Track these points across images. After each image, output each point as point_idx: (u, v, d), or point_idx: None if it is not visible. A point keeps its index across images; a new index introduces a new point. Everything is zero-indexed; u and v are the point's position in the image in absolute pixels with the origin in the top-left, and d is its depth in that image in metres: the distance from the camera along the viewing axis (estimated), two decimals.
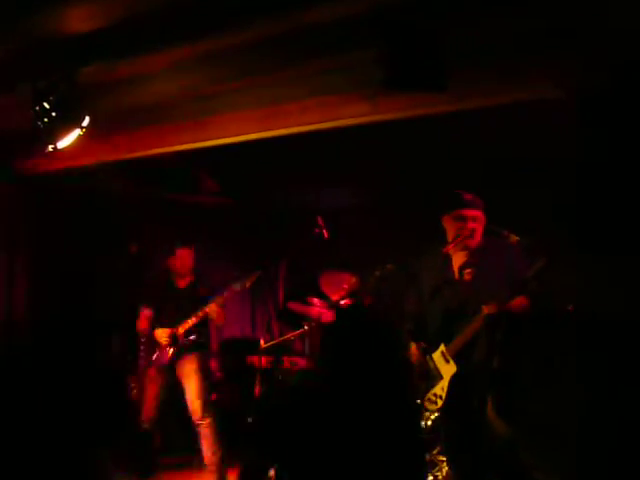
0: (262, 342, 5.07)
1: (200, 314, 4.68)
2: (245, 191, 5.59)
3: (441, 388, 3.91)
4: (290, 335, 5.16)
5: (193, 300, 4.80)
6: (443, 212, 4.05)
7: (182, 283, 4.92)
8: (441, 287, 3.99)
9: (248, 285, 4.58)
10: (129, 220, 5.55)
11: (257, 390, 4.83)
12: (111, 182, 5.25)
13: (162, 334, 4.76)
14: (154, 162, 5.10)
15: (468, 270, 3.98)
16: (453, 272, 4.05)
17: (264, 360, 5.12)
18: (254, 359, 5.17)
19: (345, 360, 1.85)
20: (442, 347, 3.97)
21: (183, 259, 4.79)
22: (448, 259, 4.07)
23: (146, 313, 4.91)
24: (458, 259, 4.06)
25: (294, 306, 5.24)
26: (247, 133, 4.42)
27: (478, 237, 4.02)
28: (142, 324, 4.87)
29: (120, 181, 5.31)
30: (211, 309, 4.62)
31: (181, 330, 4.77)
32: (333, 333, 1.96)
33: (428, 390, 3.97)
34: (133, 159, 4.83)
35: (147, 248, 5.60)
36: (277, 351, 5.21)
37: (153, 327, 4.81)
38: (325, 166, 5.16)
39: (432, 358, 3.99)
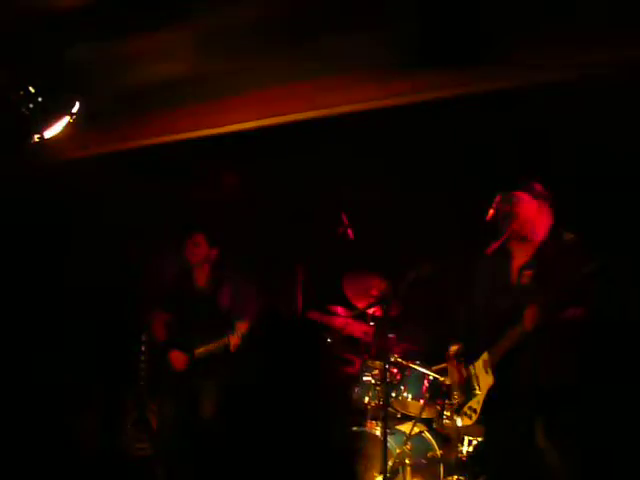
0: None
1: (222, 342, 4.72)
2: (263, 185, 5.56)
3: (477, 402, 3.90)
4: None
5: (213, 306, 4.82)
6: (498, 195, 3.97)
7: (201, 279, 4.89)
8: (496, 290, 3.96)
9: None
10: (133, 222, 5.54)
11: None
12: (112, 178, 5.22)
13: (178, 359, 4.79)
14: (163, 154, 5.07)
15: (528, 272, 3.89)
16: (511, 273, 3.95)
17: None
18: None
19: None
20: (484, 355, 3.93)
21: (200, 245, 4.83)
22: (507, 258, 3.97)
23: (162, 318, 4.95)
24: (519, 258, 3.96)
25: (315, 316, 5.14)
26: (265, 117, 4.44)
27: (542, 231, 3.92)
28: (158, 331, 4.91)
29: (123, 177, 5.27)
30: (234, 341, 4.65)
31: (196, 356, 4.80)
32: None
33: (465, 402, 3.96)
34: (136, 150, 4.80)
35: (156, 251, 5.62)
36: None
37: (170, 335, 4.88)
38: (351, 154, 5.05)
39: (474, 366, 3.98)
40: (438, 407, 4.64)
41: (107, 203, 5.43)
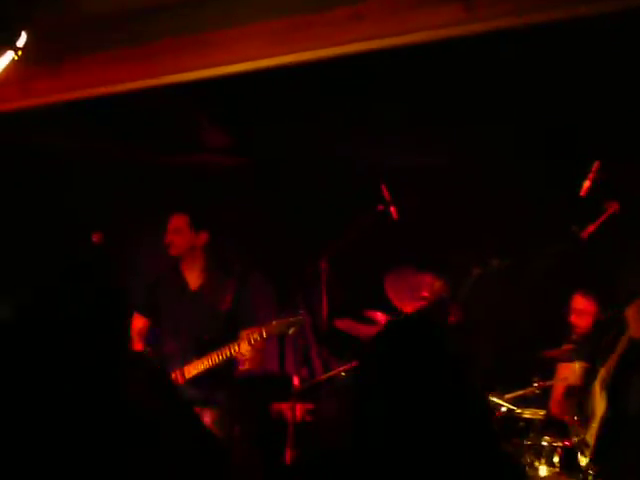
0: (296, 381, 4.58)
1: (221, 356, 4.32)
2: (269, 147, 5.07)
3: (591, 435, 3.89)
4: (340, 369, 4.66)
5: (209, 310, 4.49)
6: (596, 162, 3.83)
7: (191, 276, 4.56)
8: None
9: (292, 332, 4.31)
10: (93, 194, 5.06)
11: (289, 455, 4.44)
12: (65, 136, 4.79)
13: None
14: (131, 105, 4.61)
15: None
16: None
17: (300, 409, 4.75)
18: (284, 407, 4.83)
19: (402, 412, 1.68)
20: (602, 371, 3.91)
21: (181, 232, 4.47)
22: None
23: (138, 323, 4.55)
24: None
25: (345, 325, 4.80)
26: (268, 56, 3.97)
27: None
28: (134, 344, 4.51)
29: (80, 135, 4.81)
30: (243, 351, 4.28)
31: (187, 375, 4.37)
32: (375, 368, 1.77)
33: (585, 432, 3.94)
34: (97, 99, 4.32)
35: (127, 234, 5.17)
36: (319, 395, 4.93)
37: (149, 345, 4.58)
38: (392, 105, 4.63)
39: (593, 386, 3.96)
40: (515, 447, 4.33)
41: (57, 171, 4.94)
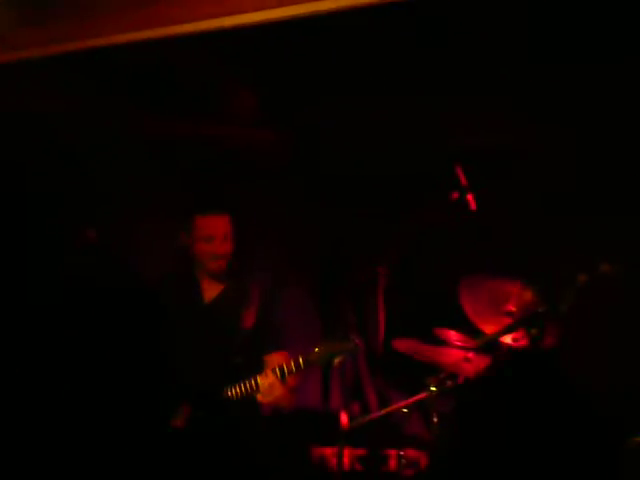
0: (344, 420, 4.33)
1: (244, 390, 4.01)
2: (313, 119, 4.74)
3: None
4: (400, 404, 4.36)
5: (229, 329, 4.13)
6: None
7: (210, 287, 4.22)
8: None
9: (338, 363, 4.01)
10: (88, 176, 4.68)
11: None
12: (53, 102, 4.44)
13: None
14: (137, 64, 4.33)
15: None
16: None
17: (348, 455, 4.42)
18: (328, 453, 4.48)
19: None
20: None
21: (228, 237, 4.14)
22: None
23: None
24: None
25: (407, 346, 4.48)
26: None
27: None
28: None
29: (69, 101, 4.48)
30: (265, 389, 3.96)
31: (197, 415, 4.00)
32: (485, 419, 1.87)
33: None
34: (88, 53, 4.01)
35: (129, 229, 4.82)
36: (374, 437, 4.47)
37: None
38: (470, 68, 4.23)
39: None
40: None
41: (39, 147, 4.60)
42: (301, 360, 3.80)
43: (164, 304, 4.17)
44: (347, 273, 4.80)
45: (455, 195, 4.34)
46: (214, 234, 4.05)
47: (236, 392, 3.91)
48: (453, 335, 4.53)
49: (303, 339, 4.29)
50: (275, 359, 4.01)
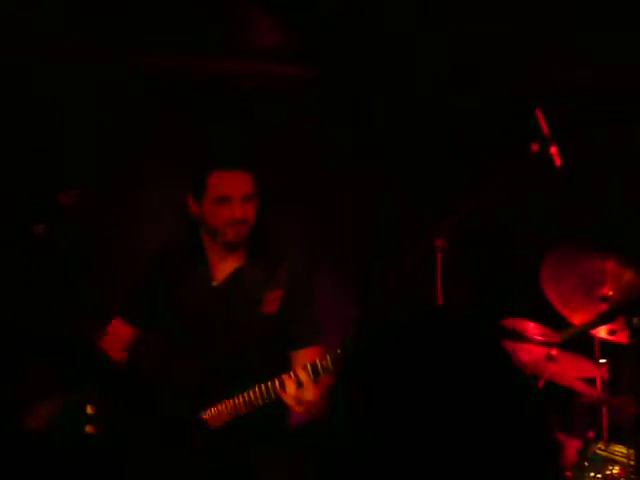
0: None
1: (252, 401, 3.37)
2: (350, 54, 4.20)
3: None
4: None
5: (247, 318, 3.63)
6: None
7: (221, 266, 3.70)
8: None
9: None
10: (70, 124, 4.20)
11: None
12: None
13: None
14: None
15: None
16: None
17: None
18: None
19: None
20: None
21: (251, 199, 3.53)
22: None
23: (121, 333, 3.78)
24: None
25: None
26: None
27: None
28: (116, 363, 3.71)
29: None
30: (291, 391, 3.29)
31: (223, 419, 3.49)
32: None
33: None
34: None
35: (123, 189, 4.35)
36: None
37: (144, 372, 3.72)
38: None
39: None
40: None
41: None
42: (339, 354, 3.18)
43: (161, 286, 3.61)
44: (395, 251, 4.21)
45: (535, 147, 3.67)
46: (232, 194, 3.42)
47: (250, 398, 3.28)
48: (532, 327, 4.05)
49: (336, 329, 3.77)
50: (305, 355, 3.39)
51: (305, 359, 3.31)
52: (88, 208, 3.60)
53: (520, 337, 3.87)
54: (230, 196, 3.38)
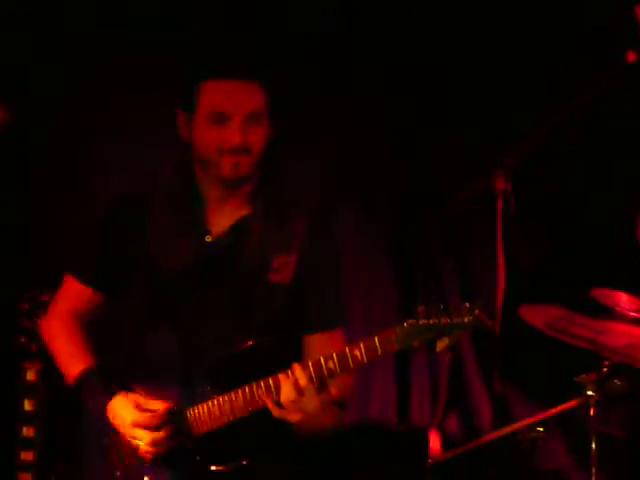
0: (435, 442, 3.39)
1: (258, 397, 2.73)
2: None
3: None
4: (533, 419, 3.17)
5: (237, 273, 2.99)
6: None
7: (224, 216, 2.97)
8: None
9: (441, 349, 2.61)
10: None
11: None
12: None
13: (143, 423, 2.83)
14: None
15: None
16: None
17: None
18: None
19: None
20: None
21: (258, 117, 2.77)
22: None
23: (80, 297, 3.10)
24: None
25: (544, 318, 3.26)
26: None
27: None
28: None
29: None
30: (304, 385, 2.63)
31: (198, 430, 2.85)
32: None
33: None
34: None
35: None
36: (488, 473, 3.40)
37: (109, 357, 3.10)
38: None
39: None
40: None
41: None
42: (376, 343, 2.45)
43: (135, 238, 2.89)
44: (442, 196, 3.50)
45: (631, 57, 2.90)
46: (231, 111, 2.67)
47: (255, 397, 2.61)
48: (625, 300, 3.37)
49: (369, 307, 3.52)
50: (325, 341, 2.76)
51: (324, 346, 2.70)
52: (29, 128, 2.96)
53: (609, 312, 3.33)
54: (227, 113, 2.62)
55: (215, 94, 2.64)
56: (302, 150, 3.75)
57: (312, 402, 2.57)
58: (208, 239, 2.90)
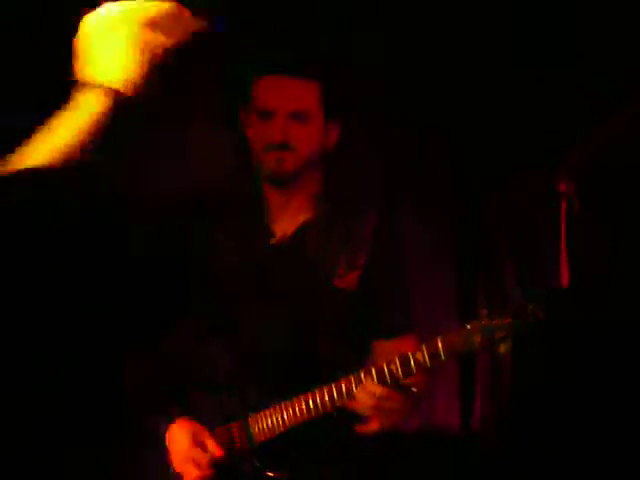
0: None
1: (322, 404, 2.65)
2: None
3: None
4: None
5: (301, 276, 2.91)
6: None
7: (287, 220, 2.87)
8: None
9: (505, 350, 2.53)
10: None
11: None
12: None
13: (189, 460, 2.75)
14: None
15: None
16: None
17: None
18: None
19: None
20: None
21: (308, 116, 2.72)
22: None
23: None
24: None
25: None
26: None
27: None
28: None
29: None
30: (371, 391, 2.54)
31: (258, 438, 2.75)
32: None
33: None
34: None
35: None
36: None
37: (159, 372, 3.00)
38: None
39: None
40: None
41: None
42: (439, 346, 2.36)
43: (196, 242, 2.81)
44: (502, 194, 3.39)
45: None
46: (275, 107, 2.60)
47: (309, 404, 2.55)
48: None
49: (434, 311, 3.36)
50: (396, 348, 2.61)
51: (394, 353, 2.51)
52: None
53: None
54: (271, 109, 2.58)
55: (264, 90, 2.61)
56: (365, 150, 3.55)
57: (391, 401, 2.46)
58: (272, 242, 2.82)
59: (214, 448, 2.56)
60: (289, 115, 2.55)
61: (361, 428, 2.54)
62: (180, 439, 2.64)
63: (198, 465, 2.63)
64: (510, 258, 3.68)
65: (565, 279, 3.11)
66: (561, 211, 2.94)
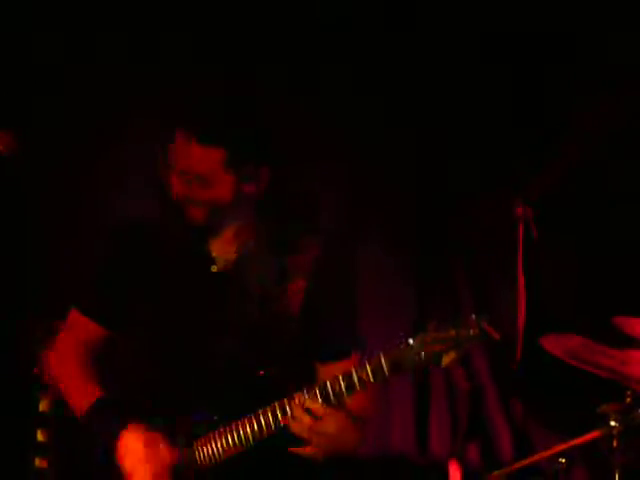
0: (454, 474, 3.21)
1: (266, 426, 2.74)
2: None
3: None
4: (555, 450, 3.12)
5: (247, 303, 2.97)
6: None
7: (220, 240, 2.97)
8: None
9: (448, 363, 2.60)
10: None
11: None
12: None
13: (145, 461, 2.77)
14: None
15: None
16: None
17: None
18: None
19: None
20: None
21: (209, 178, 2.84)
22: None
23: (86, 333, 3.09)
24: None
25: (566, 347, 3.28)
26: None
27: None
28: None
29: None
30: (316, 411, 2.60)
31: (204, 462, 2.81)
32: None
33: None
34: None
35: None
36: None
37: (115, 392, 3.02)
38: None
39: None
40: None
41: None
42: (382, 361, 2.41)
43: (139, 270, 2.89)
44: (461, 219, 3.50)
45: None
46: (181, 167, 2.78)
47: (262, 426, 2.59)
48: None
49: (379, 327, 3.33)
50: (338, 370, 2.63)
51: (333, 373, 2.57)
52: (31, 159, 2.80)
53: (633, 341, 3.24)
54: (180, 170, 2.74)
55: (177, 150, 2.73)
56: (313, 174, 3.65)
57: (330, 424, 2.51)
58: (214, 269, 2.93)
59: (167, 452, 2.61)
60: (194, 177, 2.69)
61: (295, 449, 2.56)
62: (134, 441, 2.67)
63: (153, 466, 2.68)
64: (468, 285, 3.77)
65: (522, 301, 3.20)
66: (518, 235, 3.05)
